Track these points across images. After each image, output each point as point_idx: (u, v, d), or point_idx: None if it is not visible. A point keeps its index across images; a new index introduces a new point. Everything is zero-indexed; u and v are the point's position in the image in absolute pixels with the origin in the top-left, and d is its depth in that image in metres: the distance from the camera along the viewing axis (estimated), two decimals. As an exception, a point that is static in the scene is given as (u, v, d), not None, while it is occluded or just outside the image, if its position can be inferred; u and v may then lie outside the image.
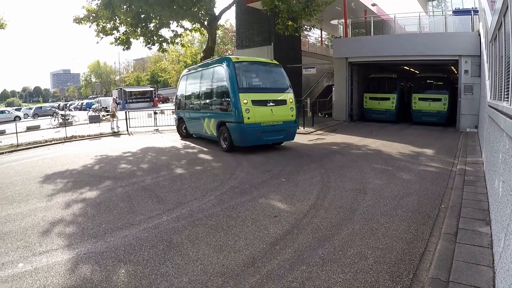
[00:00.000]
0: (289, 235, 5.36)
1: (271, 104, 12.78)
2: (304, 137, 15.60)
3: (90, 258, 5.22)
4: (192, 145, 14.88)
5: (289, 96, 13.48)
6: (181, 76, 18.54)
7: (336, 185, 7.89)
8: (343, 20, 22.23)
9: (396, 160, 10.56)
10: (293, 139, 13.76)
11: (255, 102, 12.42)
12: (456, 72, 20.15)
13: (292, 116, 13.20)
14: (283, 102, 13.16)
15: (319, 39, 37.60)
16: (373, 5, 26.12)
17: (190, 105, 16.67)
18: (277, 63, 14.60)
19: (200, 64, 17.07)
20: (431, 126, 18.52)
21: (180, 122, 17.98)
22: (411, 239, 5.09)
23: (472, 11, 18.70)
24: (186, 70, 18.46)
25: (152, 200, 7.79)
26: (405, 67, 27.60)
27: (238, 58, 13.49)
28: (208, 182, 8.86)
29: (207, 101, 14.83)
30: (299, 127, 17.18)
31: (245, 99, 12.28)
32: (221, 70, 13.45)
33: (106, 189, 9.14)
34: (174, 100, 19.76)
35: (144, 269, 4.76)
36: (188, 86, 17.23)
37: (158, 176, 9.97)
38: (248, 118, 12.18)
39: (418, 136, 15.37)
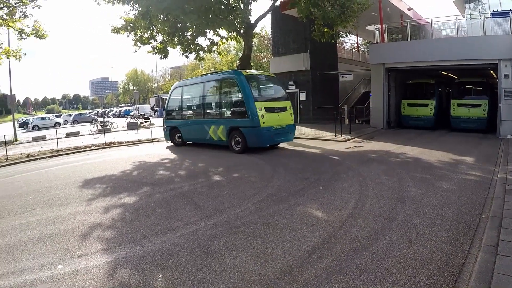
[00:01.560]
0: (327, 244, 5.32)
1: (278, 110, 14.93)
2: (342, 144, 15.47)
3: (128, 262, 5.32)
4: (228, 153, 14.96)
5: (288, 103, 15.72)
6: (172, 89, 19.38)
7: (374, 193, 7.79)
8: (379, 26, 21.95)
9: (435, 168, 10.34)
10: (292, 140, 16.07)
11: (267, 109, 14.43)
12: (495, 76, 19.55)
13: (292, 120, 15.57)
14: (285, 108, 15.34)
15: (355, 45, 37.24)
16: (409, 9, 25.67)
17: (189, 115, 18.01)
18: (274, 75, 17.50)
19: (200, 76, 19.08)
20: (470, 133, 17.99)
21: (172, 131, 18.74)
22: (450, 250, 4.98)
23: (511, 13, 18.16)
24: (178, 83, 19.74)
25: (190, 206, 7.86)
26: (443, 72, 27.01)
27: (246, 71, 15.53)
28: (246, 189, 8.88)
29: (214, 109, 16.59)
30: (336, 134, 17.28)
31: (260, 106, 14.21)
32: (233, 82, 15.36)
33: (144, 194, 9.31)
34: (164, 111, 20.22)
35: (181, 275, 4.80)
36: (185, 97, 18.46)
37: (196, 182, 10.07)
38: (264, 122, 14.14)
39: (457, 144, 15.01)
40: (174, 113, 18.89)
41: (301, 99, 25.70)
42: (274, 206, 7.33)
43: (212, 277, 4.68)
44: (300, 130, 20.24)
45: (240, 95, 14.87)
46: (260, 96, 15.05)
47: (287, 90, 25.51)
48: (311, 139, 17.41)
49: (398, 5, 23.85)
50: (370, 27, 25.49)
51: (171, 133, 18.74)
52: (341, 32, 26.50)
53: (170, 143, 19.43)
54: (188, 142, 18.42)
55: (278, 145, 16.20)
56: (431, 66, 20.07)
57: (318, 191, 8.24)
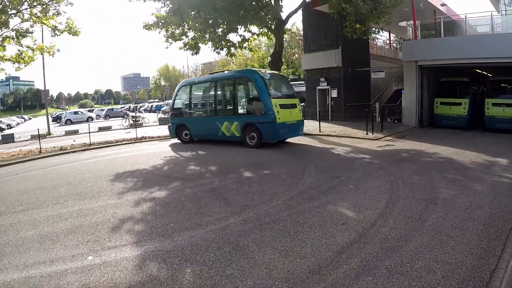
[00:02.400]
0: (356, 244, 5.29)
1: (289, 107, 15.90)
2: (373, 143, 15.29)
3: (157, 256, 5.43)
4: (258, 150, 15.05)
5: (297, 100, 16.85)
6: (179, 88, 19.76)
7: (405, 194, 7.69)
8: (411, 22, 21.51)
9: (468, 170, 10.12)
10: (301, 135, 17.19)
11: (281, 106, 15.33)
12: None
13: (301, 116, 16.64)
14: (295, 105, 16.38)
15: (387, 41, 36.67)
16: (443, 5, 25.04)
17: (199, 112, 18.75)
18: (283, 75, 17.64)
19: (210, 75, 19.69)
20: (505, 133, 17.49)
21: (179, 129, 19.07)
22: (481, 254, 4.88)
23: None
24: (185, 81, 20.06)
25: (220, 202, 7.94)
26: (477, 70, 26.28)
27: (260, 71, 16.39)
28: (276, 186, 8.89)
29: (227, 107, 17.34)
30: (368, 132, 17.18)
31: (275, 103, 15.06)
32: (248, 80, 16.16)
33: (174, 189, 9.46)
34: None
35: (210, 270, 4.87)
36: (194, 95, 18.97)
37: (226, 178, 10.15)
38: (279, 118, 14.97)
39: (492, 144, 14.57)
40: (182, 110, 19.30)
41: (332, 96, 25.40)
42: (304, 203, 7.33)
43: (240, 273, 4.72)
44: (331, 128, 20.16)
45: (255, 93, 15.62)
46: (274, 93, 15.78)
47: (318, 87, 25.54)
48: (342, 136, 17.28)
49: (431, 0, 23.29)
50: (403, 23, 25.03)
51: (177, 130, 19.09)
52: (373, 28, 26.19)
53: (174, 140, 19.80)
54: (195, 139, 18.73)
55: (303, 143, 16.35)
56: (465, 63, 19.57)
57: (349, 190, 8.20)
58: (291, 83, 39.84)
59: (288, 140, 17.08)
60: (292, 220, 6.42)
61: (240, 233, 6.05)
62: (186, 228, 6.51)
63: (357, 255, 4.97)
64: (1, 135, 25.13)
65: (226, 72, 18.97)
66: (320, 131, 19.07)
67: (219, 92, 17.86)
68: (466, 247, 5.11)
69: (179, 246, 5.72)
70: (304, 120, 16.84)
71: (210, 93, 18.21)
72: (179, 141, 19.18)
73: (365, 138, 16.25)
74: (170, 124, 19.86)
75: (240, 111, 16.77)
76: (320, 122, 20.16)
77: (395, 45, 39.56)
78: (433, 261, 4.72)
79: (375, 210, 6.72)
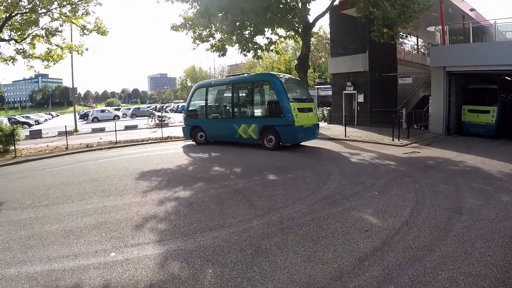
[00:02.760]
0: (379, 252, 5.25)
1: (306, 111, 16.22)
2: (399, 149, 15.14)
3: (179, 255, 5.50)
4: (285, 151, 15.14)
5: (313, 104, 17.59)
6: (194, 90, 19.93)
7: (430, 202, 7.58)
8: (440, 27, 21.20)
9: (496, 180, 9.90)
10: (316, 138, 17.43)
11: (299, 110, 15.64)
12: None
13: (316, 120, 17.25)
14: (311, 109, 16.83)
15: (415, 46, 36.20)
16: (472, 10, 24.52)
17: (215, 114, 18.72)
18: (299, 79, 18.91)
19: (227, 77, 19.96)
20: (535, 143, 17.09)
21: (194, 130, 19.12)
22: (506, 267, 4.78)
23: None
24: (201, 83, 20.32)
25: (243, 204, 7.99)
26: (506, 77, 25.74)
27: (278, 75, 17.05)
28: (300, 190, 8.89)
29: (245, 109, 17.61)
30: (394, 139, 17.03)
31: (293, 107, 15.34)
32: (267, 84, 16.55)
33: (199, 190, 9.55)
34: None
35: (231, 271, 4.90)
36: (210, 97, 19.09)
37: (250, 180, 10.21)
38: (297, 121, 15.28)
39: (521, 154, 14.26)
40: (197, 112, 19.48)
41: (358, 101, 25.21)
42: (328, 209, 7.32)
43: (261, 276, 4.74)
44: (356, 133, 20.03)
45: (274, 96, 15.91)
46: (292, 97, 15.98)
47: (344, 92, 25.39)
48: (368, 142, 17.16)
49: (460, 5, 22.92)
50: (431, 28, 24.63)
51: (192, 132, 19.20)
52: (401, 33, 25.92)
53: (188, 142, 19.96)
54: (210, 141, 18.83)
55: (328, 147, 16.30)
56: (493, 70, 19.17)
57: (373, 196, 8.15)
58: (317, 87, 39.66)
59: (312, 144, 17.09)
60: (315, 225, 6.40)
61: (263, 236, 6.07)
62: (209, 228, 6.57)
63: (379, 263, 4.93)
64: (29, 131, 25.70)
65: (243, 75, 19.61)
66: (345, 136, 19.00)
67: (236, 95, 18.01)
68: (491, 259, 5.02)
69: (201, 246, 5.78)
70: (330, 125, 16.92)
71: (227, 95, 18.46)
72: (193, 142, 19.32)
73: (391, 145, 16.10)
74: (184, 126, 19.99)
75: (258, 114, 17.13)
76: (346, 127, 20.03)
77: (423, 51, 39.04)
78: (456, 272, 4.66)
79: (399, 218, 6.65)
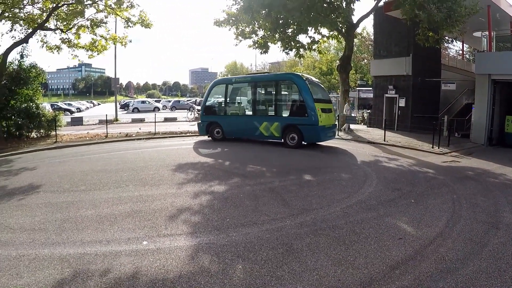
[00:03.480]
0: (411, 261, 5.18)
1: (327, 111, 16.75)
2: (438, 157, 14.79)
3: (210, 248, 5.60)
4: (322, 152, 15.14)
5: (332, 105, 18.16)
6: (213, 86, 20.12)
7: (467, 214, 7.40)
8: (486, 32, 20.52)
9: (537, 196, 9.59)
10: (333, 138, 18.27)
11: (322, 110, 16.15)
12: None
13: (335, 120, 18.28)
14: (331, 110, 17.40)
15: (460, 52, 35.22)
16: (521, 16, 23.71)
17: (235, 111, 19.17)
18: (319, 81, 19.34)
19: (249, 75, 20.48)
20: None
21: (212, 126, 19.24)
22: None
23: None
24: (220, 80, 20.71)
25: (278, 202, 8.04)
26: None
27: (302, 75, 17.27)
28: (335, 192, 8.88)
29: (267, 108, 18.10)
30: (434, 146, 16.71)
31: (317, 107, 15.84)
32: (292, 84, 17.11)
33: (234, 185, 9.66)
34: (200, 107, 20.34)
35: (261, 268, 4.95)
36: (230, 94, 19.28)
37: (286, 179, 10.25)
38: (321, 121, 15.87)
39: None
40: (215, 109, 19.69)
41: (400, 105, 24.75)
42: (363, 213, 7.29)
43: (291, 276, 4.77)
44: (396, 138, 19.74)
45: (299, 96, 16.48)
46: (316, 98, 16.32)
47: (386, 95, 25.04)
48: (407, 148, 16.87)
49: (508, 11, 22.10)
50: (477, 34, 23.99)
51: (209, 128, 19.36)
52: (446, 37, 25.31)
53: (201, 137, 20.22)
54: (227, 137, 19.10)
55: (366, 151, 16.16)
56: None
57: (409, 204, 8.03)
58: (358, 88, 39.30)
59: (351, 146, 17.11)
60: (349, 229, 6.39)
61: (295, 236, 6.10)
62: (241, 224, 6.66)
63: (411, 272, 4.87)
64: (71, 118, 26.47)
65: (266, 73, 20.03)
66: (384, 140, 18.79)
67: (259, 93, 18.38)
68: (526, 278, 4.88)
69: (233, 241, 5.87)
70: (369, 128, 16.85)
71: (249, 93, 18.79)
72: (209, 138, 19.53)
73: (430, 152, 15.78)
74: (200, 121, 20.05)
75: (281, 112, 17.51)
76: (385, 131, 19.79)
77: (468, 56, 38.00)
78: (489, 288, 4.56)
79: (435, 228, 6.53)
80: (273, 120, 17.17)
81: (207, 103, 20.01)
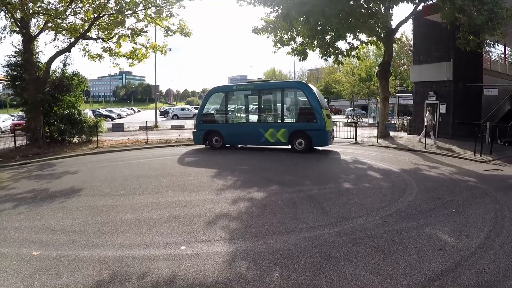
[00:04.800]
0: (451, 273, 5.08)
1: (329, 117, 17.69)
2: (480, 165, 14.36)
3: (248, 255, 5.68)
4: (362, 160, 15.00)
5: (329, 112, 18.71)
6: (211, 94, 20.06)
7: (510, 225, 7.18)
8: (530, 35, 19.94)
9: None
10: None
11: (327, 116, 17.24)
12: None
13: (333, 126, 19.07)
14: (330, 116, 18.19)
15: (502, 55, 34.09)
16: None
17: (237, 119, 19.78)
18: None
19: (252, 83, 20.60)
20: None
21: (210, 135, 19.10)
22: None
23: None
24: (218, 87, 20.26)
25: (316, 210, 8.08)
26: None
27: (307, 83, 18.39)
28: (375, 201, 8.84)
29: (273, 114, 18.75)
30: (476, 154, 16.29)
31: (323, 113, 16.76)
32: (299, 91, 17.92)
33: (272, 192, 9.75)
34: (196, 116, 20.26)
35: (298, 277, 4.99)
36: (232, 102, 19.84)
37: (325, 187, 10.27)
38: (326, 126, 16.84)
39: None
40: (215, 117, 19.69)
41: (441, 111, 24.16)
42: (402, 222, 7.22)
43: (328, 285, 4.79)
44: (437, 145, 19.36)
45: (306, 103, 17.34)
46: (321, 105, 17.18)
47: (426, 101, 24.55)
48: (448, 156, 16.48)
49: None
50: (520, 37, 23.32)
51: (206, 136, 19.23)
52: (488, 41, 24.89)
53: (197, 146, 20.01)
54: (226, 145, 19.22)
55: (406, 158, 15.90)
56: None
57: (450, 214, 7.89)
58: (397, 95, 38.92)
59: (392, 154, 16.99)
60: (388, 238, 6.35)
61: (333, 244, 6.11)
62: (280, 232, 6.72)
63: (451, 284, 4.78)
64: (112, 124, 27.27)
65: (269, 81, 20.51)
66: (425, 147, 18.42)
67: (263, 100, 18.69)
68: None
69: (270, 249, 5.93)
70: (409, 135, 16.69)
71: (253, 100, 18.97)
72: (205, 147, 19.57)
73: (472, 160, 15.37)
74: (196, 130, 19.88)
75: (288, 118, 18.34)
76: (426, 138, 19.42)
77: (510, 60, 36.83)
78: (531, 303, 4.42)
79: (476, 239, 6.38)
80: (279, 126, 17.72)
81: (205, 112, 20.07)
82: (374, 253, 5.77)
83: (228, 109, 19.58)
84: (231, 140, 19.11)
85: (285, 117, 18.26)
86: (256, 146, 18.96)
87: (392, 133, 24.44)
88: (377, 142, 20.74)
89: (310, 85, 18.31)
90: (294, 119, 18.00)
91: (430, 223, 7.23)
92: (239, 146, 19.55)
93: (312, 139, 16.95)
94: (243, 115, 19.62)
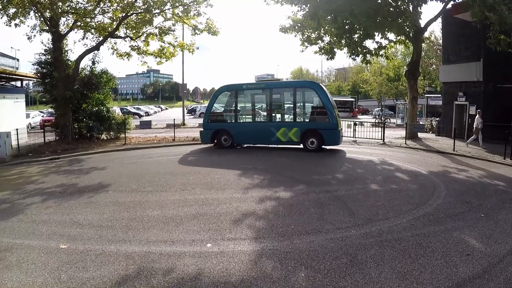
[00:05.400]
0: (478, 280, 5.00)
1: (338, 116, 17.92)
2: (510, 170, 13.99)
3: (273, 255, 5.75)
4: (390, 161, 14.88)
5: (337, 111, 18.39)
6: (219, 93, 19.97)
7: None
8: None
9: None
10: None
11: (339, 116, 17.81)
12: None
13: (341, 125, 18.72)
14: (338, 115, 18.18)
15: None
16: None
17: (247, 118, 19.68)
18: None
19: (262, 82, 20.49)
20: None
21: (219, 134, 19.05)
22: None
23: None
24: (227, 86, 20.23)
25: (343, 211, 8.09)
26: None
27: (319, 83, 17.80)
28: (402, 203, 8.78)
29: (286, 113, 18.85)
30: (506, 157, 15.84)
31: (335, 112, 17.23)
32: (311, 90, 18.29)
33: (299, 192, 9.80)
34: (202, 114, 20.16)
35: (323, 278, 5.02)
36: (241, 101, 19.70)
37: (352, 188, 10.28)
38: (338, 125, 17.25)
39: None
40: (224, 116, 19.78)
41: (470, 113, 23.50)
42: (430, 226, 7.17)
43: (353, 287, 4.80)
44: (466, 148, 18.96)
45: (319, 102, 17.70)
46: (333, 104, 17.68)
47: (456, 102, 24.09)
48: (477, 158, 16.18)
49: None
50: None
51: (215, 135, 19.18)
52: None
53: (202, 145, 20.04)
54: (236, 144, 19.30)
55: (434, 160, 15.64)
56: None
57: (479, 218, 7.77)
58: (426, 95, 38.35)
59: (420, 156, 16.79)
60: (415, 242, 6.32)
61: (360, 246, 6.13)
62: (306, 232, 6.78)
63: None
64: (139, 121, 27.70)
65: (279, 80, 20.74)
66: (454, 150, 18.09)
67: (275, 99, 18.72)
68: None
69: (296, 249, 5.99)
70: (438, 137, 16.44)
71: (264, 99, 19.01)
72: (216, 146, 19.41)
73: (502, 163, 15.02)
74: (203, 129, 19.86)
75: (301, 118, 18.62)
76: (455, 141, 19.09)
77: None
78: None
79: (505, 245, 6.27)
80: (292, 125, 17.92)
81: (213, 110, 20.21)
82: (400, 256, 5.75)
83: (238, 108, 19.52)
84: (241, 139, 19.15)
85: (297, 116, 18.50)
86: (266, 145, 19.06)
87: (420, 135, 24.13)
88: (405, 143, 20.53)
89: (321, 85, 18.51)
90: (307, 118, 18.32)
91: (458, 228, 7.15)
92: (245, 145, 19.63)
93: (324, 138, 17.20)
94: (254, 114, 19.68)
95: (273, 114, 18.67)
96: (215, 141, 19.29)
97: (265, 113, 19.39)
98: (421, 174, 12.53)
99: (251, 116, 19.63)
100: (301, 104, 18.88)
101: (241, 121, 19.51)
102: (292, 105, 18.62)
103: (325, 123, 17.21)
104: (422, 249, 6.03)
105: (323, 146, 17.60)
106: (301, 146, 17.73)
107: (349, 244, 6.19)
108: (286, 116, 18.80)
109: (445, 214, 7.99)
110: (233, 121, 19.37)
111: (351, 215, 7.85)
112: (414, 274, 5.17)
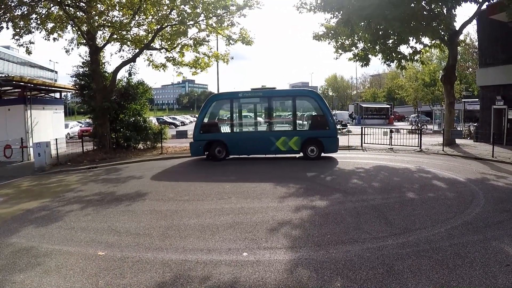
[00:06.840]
0: None
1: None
2: None
3: (309, 264, 5.77)
4: (427, 169, 14.62)
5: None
6: (212, 102, 18.98)
7: None
8: None
9: None
10: None
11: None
12: None
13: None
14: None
15: None
16: None
17: (245, 128, 19.45)
18: None
19: (258, 90, 19.42)
20: None
21: (213, 145, 18.20)
22: None
23: None
24: (220, 95, 20.64)
25: (380, 220, 8.06)
26: None
27: (317, 92, 19.52)
28: (440, 212, 8.66)
29: (286, 122, 19.37)
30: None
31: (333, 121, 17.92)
32: (310, 99, 18.52)
33: (335, 201, 9.79)
34: (197, 124, 18.91)
35: None
36: (237, 110, 18.87)
37: (388, 197, 10.19)
38: (337, 133, 17.83)
39: None
40: (218, 126, 18.99)
41: (509, 117, 22.82)
42: (468, 235, 7.05)
43: None
44: (505, 154, 18.39)
45: (319, 110, 17.95)
46: (330, 112, 18.27)
47: (494, 106, 23.43)
48: (517, 165, 15.78)
49: None
50: None
51: (208, 147, 18.34)
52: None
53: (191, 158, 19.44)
54: (231, 155, 18.83)
55: (473, 167, 15.24)
56: None
57: (519, 228, 7.53)
58: (463, 100, 37.66)
59: (458, 163, 16.42)
60: (453, 252, 6.23)
61: (396, 256, 6.09)
62: (342, 242, 6.78)
63: None
64: (176, 131, 28.13)
65: (276, 89, 20.35)
66: (492, 156, 17.63)
67: (274, 108, 18.92)
68: None
69: (333, 258, 6.00)
70: (476, 143, 16.10)
71: (261, 108, 18.94)
72: (209, 158, 18.66)
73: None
74: (194, 141, 18.76)
75: (301, 126, 19.10)
76: (494, 146, 18.58)
77: None
78: None
79: None
80: (292, 134, 17.88)
81: (205, 120, 18.79)
82: (438, 266, 5.69)
83: (234, 117, 18.83)
84: (237, 149, 18.52)
85: (297, 125, 18.68)
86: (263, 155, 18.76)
87: (458, 141, 23.67)
88: (443, 150, 20.14)
89: (319, 93, 18.99)
90: (307, 127, 18.70)
91: (497, 237, 6.98)
92: (240, 155, 19.06)
93: (324, 146, 17.54)
94: (252, 124, 19.62)
95: (273, 123, 18.72)
96: (207, 153, 18.60)
97: (264, 122, 19.22)
98: (459, 182, 12.30)
99: (249, 126, 19.59)
100: (301, 112, 19.41)
101: (238, 130, 18.95)
102: (291, 114, 18.65)
103: (326, 131, 17.60)
104: (460, 259, 5.94)
105: (322, 154, 17.80)
106: (302, 154, 17.96)
107: (385, 254, 6.16)
108: (286, 124, 19.08)
109: (484, 223, 7.83)
110: (228, 130, 18.83)
111: (387, 224, 7.80)
112: (452, 285, 5.09)
